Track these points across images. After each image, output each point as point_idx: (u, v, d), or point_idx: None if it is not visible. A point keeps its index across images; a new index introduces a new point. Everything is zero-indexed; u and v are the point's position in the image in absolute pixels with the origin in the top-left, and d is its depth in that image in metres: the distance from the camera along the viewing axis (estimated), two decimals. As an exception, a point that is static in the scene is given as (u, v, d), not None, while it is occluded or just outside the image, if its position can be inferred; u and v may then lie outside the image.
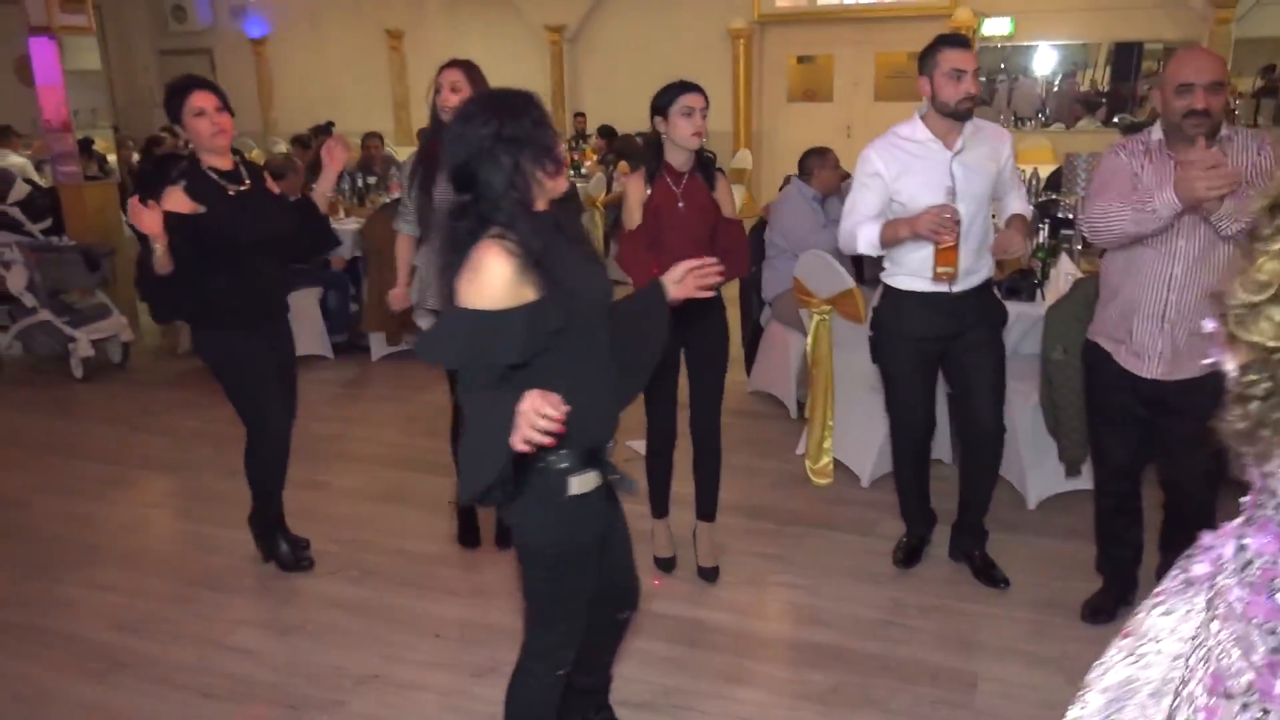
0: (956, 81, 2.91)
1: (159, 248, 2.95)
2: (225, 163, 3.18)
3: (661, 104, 3.00)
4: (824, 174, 4.76)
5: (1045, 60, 10.79)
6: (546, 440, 1.67)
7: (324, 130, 9.52)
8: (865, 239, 3.00)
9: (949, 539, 3.47)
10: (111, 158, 7.13)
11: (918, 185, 2.96)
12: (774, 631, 3.09)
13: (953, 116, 2.96)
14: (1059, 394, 3.56)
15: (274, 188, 3.35)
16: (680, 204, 3.06)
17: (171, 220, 2.97)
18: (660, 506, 3.43)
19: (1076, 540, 3.57)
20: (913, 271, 3.04)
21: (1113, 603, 3.06)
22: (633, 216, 3.07)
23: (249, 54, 13.78)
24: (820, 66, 11.71)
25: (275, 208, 3.28)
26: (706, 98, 3.02)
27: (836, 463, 4.18)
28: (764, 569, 3.47)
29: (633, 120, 8.78)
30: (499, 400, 1.74)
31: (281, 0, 13.24)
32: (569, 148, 9.97)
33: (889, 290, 3.17)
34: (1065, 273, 3.96)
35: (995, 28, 10.38)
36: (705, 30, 11.38)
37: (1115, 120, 10.04)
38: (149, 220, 2.91)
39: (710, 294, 2.21)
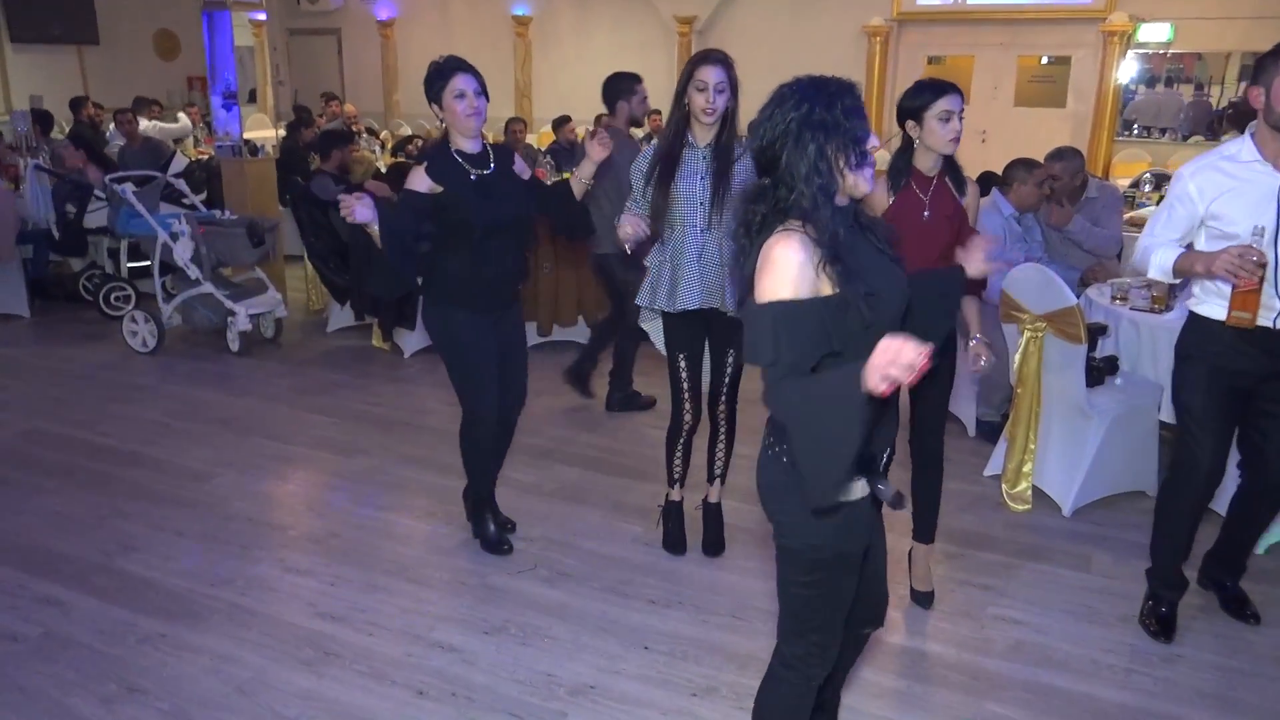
0: (1262, 94, 2.63)
1: (373, 230, 3.00)
2: (474, 146, 3.21)
3: (915, 106, 2.79)
4: (1024, 189, 4.51)
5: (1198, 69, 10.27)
6: (910, 377, 1.55)
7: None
8: (1158, 265, 2.78)
9: (1203, 563, 3.24)
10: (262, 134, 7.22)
11: (1239, 210, 2.69)
12: (1005, 671, 2.89)
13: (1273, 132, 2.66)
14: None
15: (526, 173, 3.35)
16: (926, 213, 2.87)
17: (405, 197, 3.10)
18: (924, 532, 3.21)
19: (1319, 592, 3.31)
20: (1224, 300, 2.75)
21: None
22: None
23: (375, 36, 13.95)
24: (951, 67, 11.34)
25: (517, 193, 3.26)
26: (963, 99, 2.82)
27: (1035, 490, 3.96)
28: (978, 599, 3.28)
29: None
30: (832, 376, 1.68)
31: (411, -17, 13.39)
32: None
33: (1195, 318, 2.91)
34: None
35: (1153, 34, 9.89)
36: (840, 26, 11.11)
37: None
38: (361, 210, 2.93)
39: None
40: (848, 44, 11.02)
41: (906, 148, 2.88)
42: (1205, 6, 9.59)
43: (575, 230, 3.50)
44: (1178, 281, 2.91)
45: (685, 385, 3.36)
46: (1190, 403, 2.92)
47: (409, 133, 11.34)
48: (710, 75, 3.03)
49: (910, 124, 2.83)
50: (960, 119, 2.79)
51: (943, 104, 2.75)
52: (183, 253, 5.75)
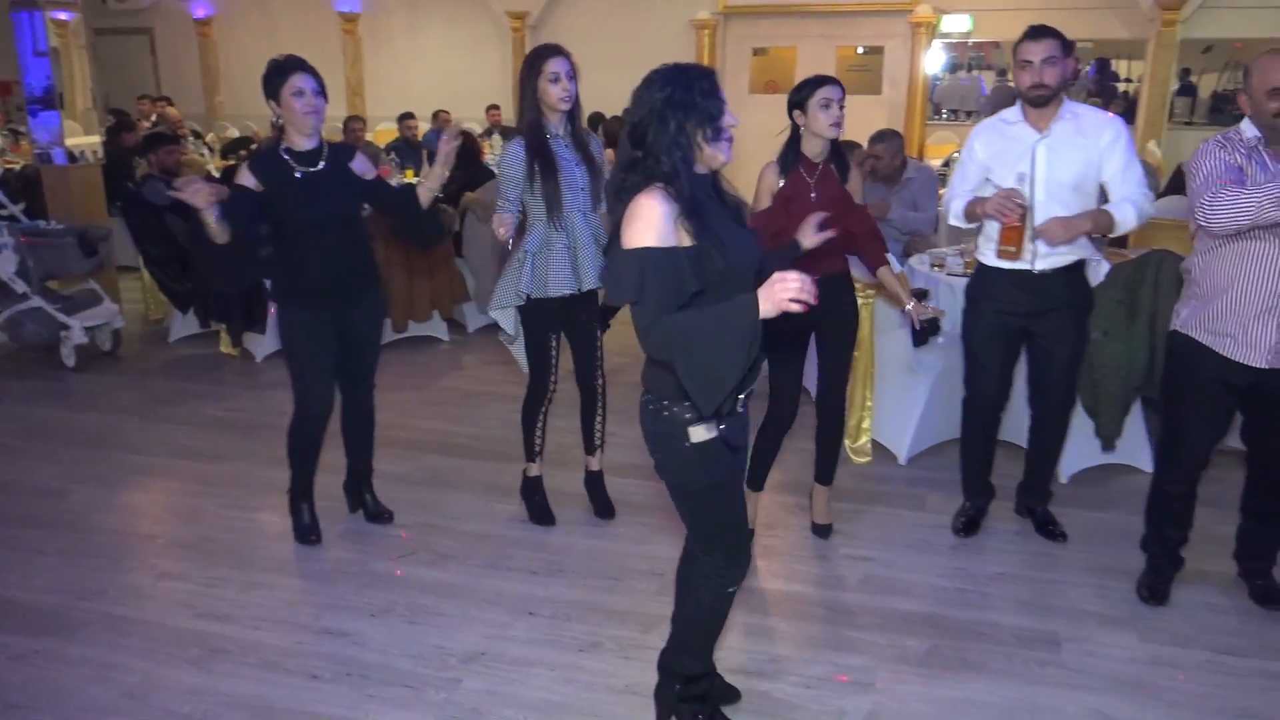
0: (1024, 71, 3.13)
1: (209, 219, 3.06)
2: (309, 144, 3.26)
3: (800, 97, 3.14)
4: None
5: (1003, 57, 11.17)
6: (801, 305, 1.85)
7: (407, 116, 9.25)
8: (955, 212, 3.31)
9: (1014, 498, 3.70)
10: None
11: (1003, 166, 3.18)
12: (858, 601, 3.21)
13: (1027, 103, 3.16)
14: (1099, 374, 3.78)
15: (370, 173, 3.41)
16: (813, 194, 3.19)
17: (235, 191, 3.17)
18: (757, 480, 3.54)
19: (1112, 510, 3.82)
20: (995, 248, 3.22)
21: (1168, 582, 3.22)
22: (760, 205, 3.23)
23: (192, 35, 13.36)
24: (776, 58, 11.89)
25: (345, 191, 3.33)
26: (843, 88, 3.15)
27: (874, 442, 4.34)
28: (830, 544, 3.60)
29: (595, 109, 8.84)
30: (725, 307, 1.91)
31: (229, -20, 12.90)
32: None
33: (979, 266, 3.38)
34: (1092, 260, 4.16)
35: (955, 25, 10.70)
36: (669, 20, 11.45)
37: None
38: (197, 193, 2.99)
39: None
40: (677, 37, 11.37)
41: (795, 136, 3.21)
42: (1000, -1, 10.46)
43: (420, 237, 3.56)
44: (974, 226, 3.35)
45: (554, 363, 3.53)
46: (973, 340, 3.41)
47: (236, 135, 10.98)
48: (560, 66, 3.22)
49: (797, 113, 3.17)
50: (840, 107, 3.13)
51: (823, 93, 3.11)
52: (5, 266, 5.46)
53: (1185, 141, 10.11)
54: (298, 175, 3.22)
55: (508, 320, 3.54)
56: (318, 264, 3.27)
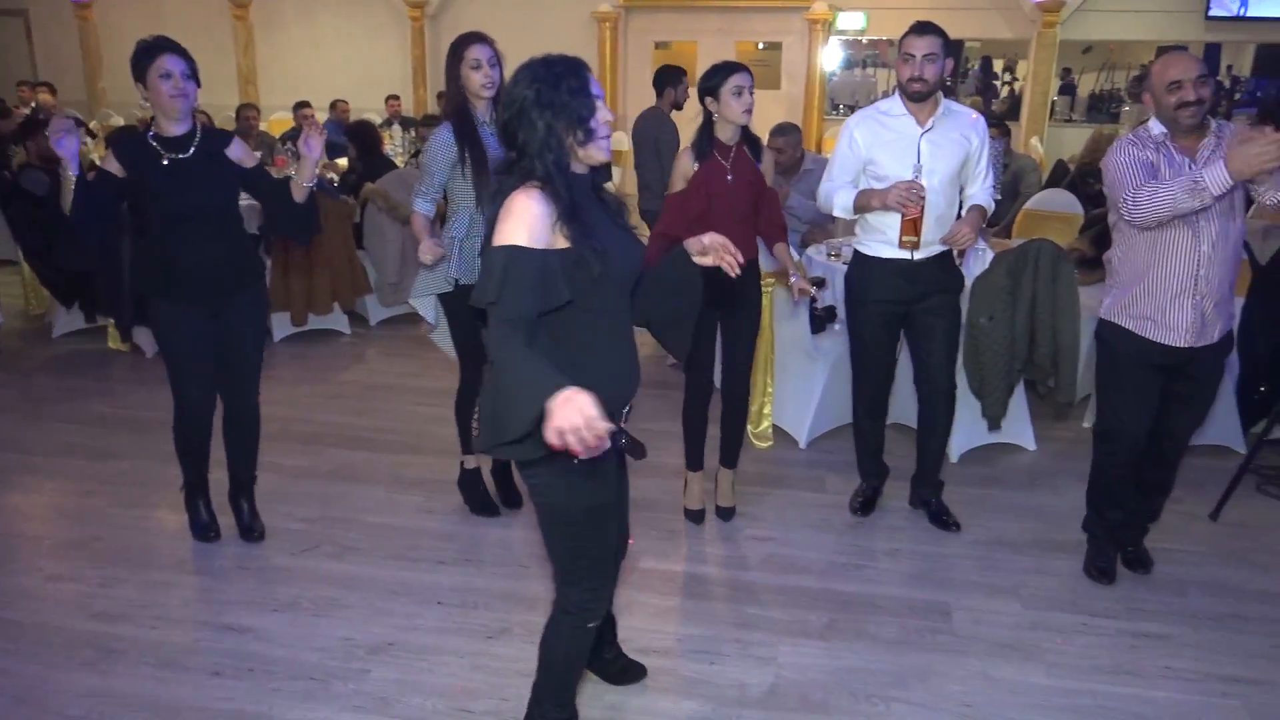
0: (903, 64, 3.25)
1: (69, 172, 3.02)
2: (180, 129, 3.14)
3: (711, 84, 3.22)
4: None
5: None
6: (578, 449, 1.68)
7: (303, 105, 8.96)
8: (840, 204, 3.36)
9: (909, 490, 3.81)
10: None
11: (889, 157, 3.28)
12: (761, 580, 3.31)
13: (905, 96, 3.28)
14: (984, 358, 3.96)
15: (248, 161, 3.29)
16: (729, 177, 3.28)
17: (99, 175, 3.07)
18: (696, 460, 3.65)
19: (997, 486, 4.02)
20: (881, 239, 3.36)
21: (1113, 561, 3.36)
22: (675, 187, 3.32)
23: (71, 18, 12.77)
24: (677, 52, 12.02)
25: (218, 180, 3.20)
26: (752, 75, 3.24)
27: (775, 427, 4.47)
28: (735, 525, 3.70)
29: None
30: (535, 366, 1.77)
31: (109, -39, 12.37)
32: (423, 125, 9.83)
33: (859, 256, 3.49)
34: (979, 249, 4.37)
35: (850, 22, 10.98)
36: (571, 12, 11.47)
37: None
38: (66, 139, 2.96)
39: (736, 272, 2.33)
40: (578, 29, 11.39)
41: (708, 122, 3.29)
42: (892, -3, 10.78)
43: (293, 231, 3.46)
44: (858, 218, 3.45)
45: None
46: (858, 327, 3.54)
47: (121, 123, 10.55)
48: (481, 53, 3.23)
49: (709, 100, 3.25)
50: (750, 94, 3.23)
51: (735, 80, 3.20)
52: None
53: (1066, 138, 10.62)
54: (164, 162, 3.08)
55: (428, 309, 3.53)
56: (187, 256, 3.13)
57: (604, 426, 1.67)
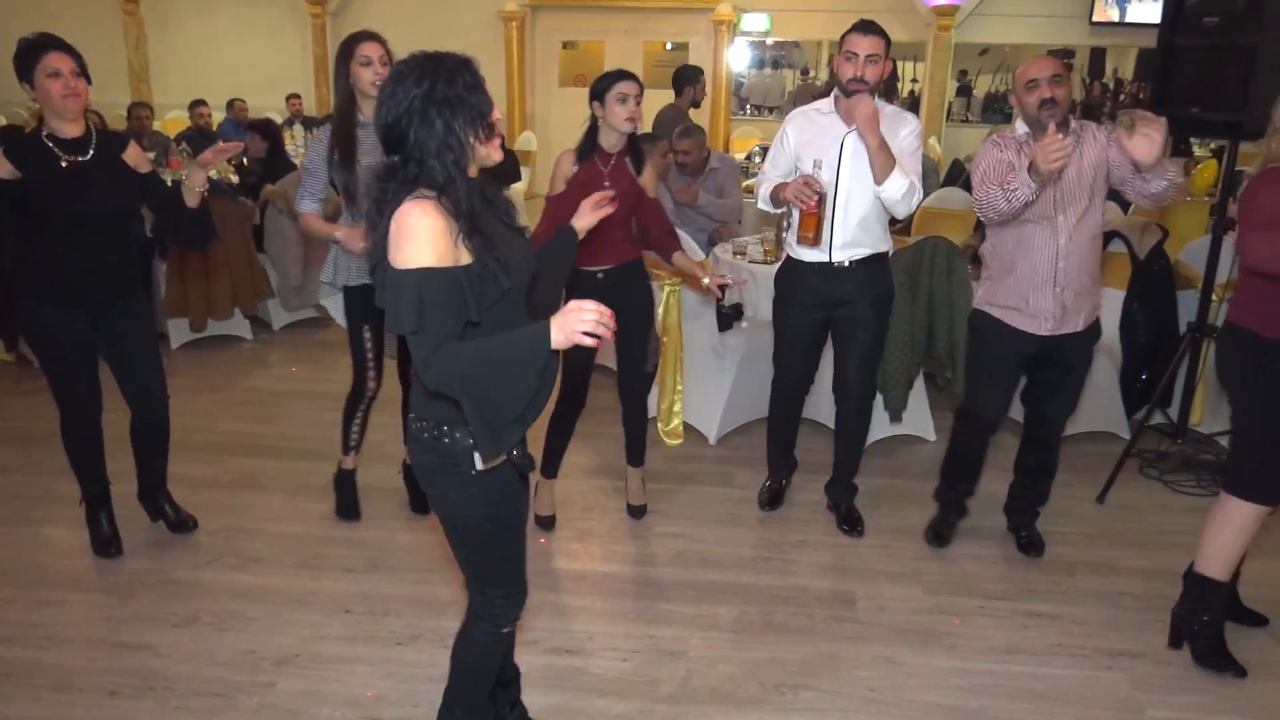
0: (847, 63, 3.23)
1: None
2: (74, 130, 3.03)
3: (599, 89, 3.21)
4: (651, 160, 5.03)
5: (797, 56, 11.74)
6: (602, 335, 1.71)
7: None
8: (763, 197, 3.46)
9: (824, 490, 3.84)
10: None
11: (813, 152, 3.34)
12: (671, 576, 3.35)
13: (843, 93, 3.27)
14: (887, 352, 4.07)
15: (143, 165, 3.19)
16: (606, 183, 3.25)
17: None
18: (551, 468, 3.61)
19: (898, 477, 4.15)
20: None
21: (952, 529, 3.60)
22: (555, 188, 3.30)
23: (-55, 11, 12.12)
24: (585, 52, 12.04)
25: (117, 184, 3.10)
26: (641, 85, 3.23)
27: (685, 424, 4.52)
28: (645, 522, 3.73)
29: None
30: (498, 341, 1.75)
31: (-13, -47, 11.76)
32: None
33: (788, 258, 3.54)
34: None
35: (753, 24, 11.15)
36: (476, 11, 11.38)
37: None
38: None
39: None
40: (484, 28, 11.31)
41: (594, 126, 3.28)
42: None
43: (184, 238, 3.33)
44: (781, 211, 3.54)
45: (370, 355, 3.47)
46: (781, 327, 3.60)
47: (4, 122, 10.06)
48: (372, 50, 3.18)
49: (596, 104, 3.24)
50: (637, 103, 3.21)
51: (620, 87, 3.18)
52: None
53: (962, 138, 10.99)
54: (63, 165, 2.98)
55: (337, 309, 3.48)
56: (78, 261, 3.03)
57: (601, 308, 1.70)
